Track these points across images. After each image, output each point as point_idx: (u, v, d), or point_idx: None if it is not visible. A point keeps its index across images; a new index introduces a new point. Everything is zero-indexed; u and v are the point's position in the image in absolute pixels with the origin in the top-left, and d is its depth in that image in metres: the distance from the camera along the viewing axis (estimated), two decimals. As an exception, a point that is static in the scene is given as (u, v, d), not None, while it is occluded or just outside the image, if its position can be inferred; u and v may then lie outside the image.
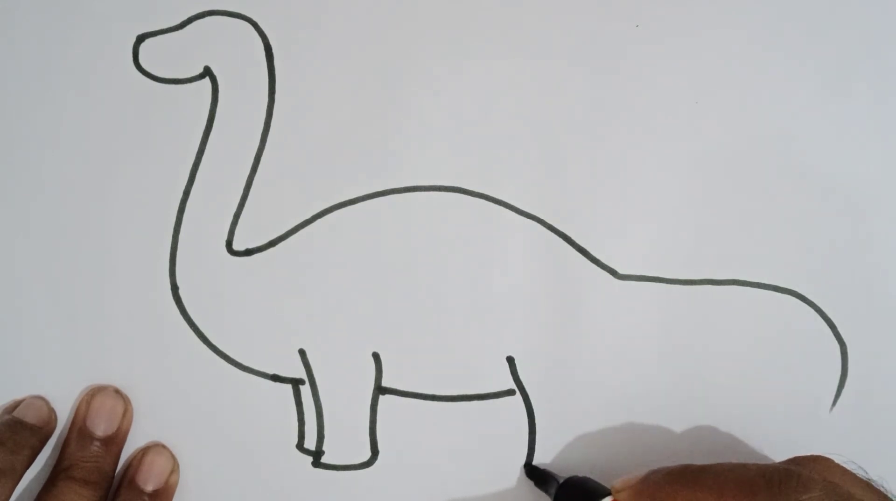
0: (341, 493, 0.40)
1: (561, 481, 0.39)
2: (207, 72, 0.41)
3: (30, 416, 0.39)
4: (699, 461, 0.40)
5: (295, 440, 0.40)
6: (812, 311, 0.41)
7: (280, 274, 0.41)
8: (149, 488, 0.39)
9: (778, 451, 0.40)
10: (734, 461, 0.38)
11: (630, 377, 0.41)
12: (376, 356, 0.41)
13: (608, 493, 0.37)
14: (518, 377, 0.41)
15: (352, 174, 0.41)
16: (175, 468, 0.40)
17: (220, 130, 0.41)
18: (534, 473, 0.40)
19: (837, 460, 0.34)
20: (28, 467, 0.38)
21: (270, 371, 0.41)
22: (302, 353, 0.41)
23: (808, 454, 0.35)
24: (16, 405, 0.39)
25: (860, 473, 0.34)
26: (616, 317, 0.41)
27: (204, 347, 0.40)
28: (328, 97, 0.41)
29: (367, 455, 0.41)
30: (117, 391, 0.40)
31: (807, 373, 0.41)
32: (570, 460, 0.40)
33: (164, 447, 0.40)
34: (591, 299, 0.41)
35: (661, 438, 0.40)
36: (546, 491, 0.39)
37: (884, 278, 0.41)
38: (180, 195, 0.41)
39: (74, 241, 0.40)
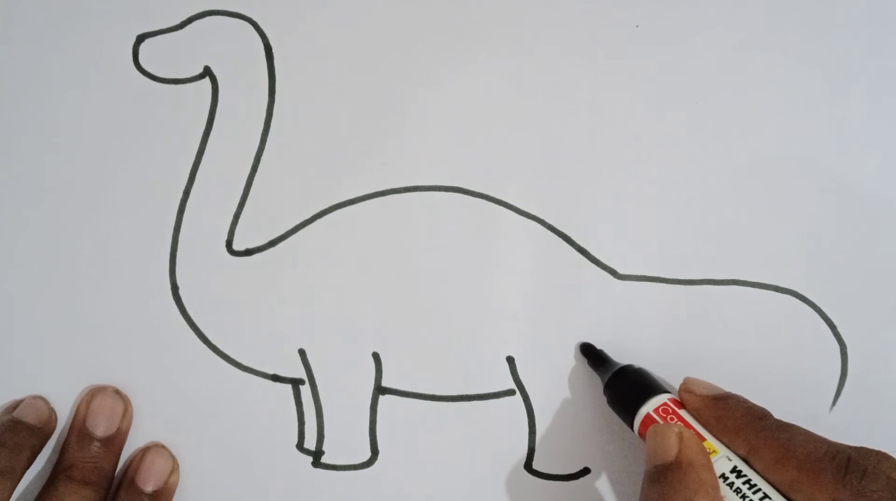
0: (341, 493, 0.40)
1: (616, 368, 0.38)
2: (207, 72, 0.41)
3: (30, 416, 0.38)
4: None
5: (295, 440, 0.40)
6: (812, 311, 0.41)
7: (280, 274, 0.41)
8: (148, 488, 0.39)
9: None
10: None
11: (630, 377, 0.41)
12: (376, 356, 0.41)
13: (665, 392, 0.36)
14: (518, 377, 0.41)
15: (352, 174, 0.41)
16: (175, 468, 0.40)
17: (220, 130, 0.41)
18: (588, 351, 0.40)
19: None
20: (28, 467, 0.38)
21: (270, 371, 0.41)
22: (302, 353, 0.41)
23: (873, 448, 0.34)
24: (16, 405, 0.39)
25: None
26: (616, 317, 0.41)
27: (204, 347, 0.40)
28: (328, 97, 0.41)
29: (367, 455, 0.41)
30: (117, 392, 0.40)
31: (807, 373, 0.41)
32: (570, 459, 0.40)
33: (163, 447, 0.40)
34: (591, 299, 0.41)
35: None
36: (598, 373, 0.39)
37: (884, 278, 0.41)
38: (180, 195, 0.41)
39: (74, 241, 0.40)
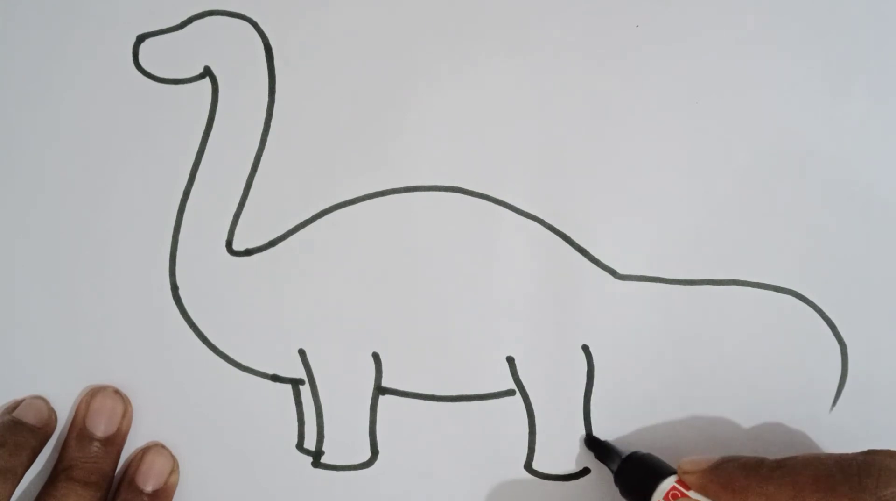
0: (341, 493, 0.40)
1: (624, 456, 0.39)
2: (207, 72, 0.41)
3: (30, 417, 0.38)
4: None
5: (295, 440, 0.40)
6: (812, 311, 0.41)
7: (280, 274, 0.41)
8: (148, 488, 0.39)
9: (778, 451, 0.40)
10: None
11: (630, 377, 0.41)
12: (376, 356, 0.41)
13: (673, 472, 0.37)
14: (518, 377, 0.41)
15: (352, 174, 0.41)
16: (175, 468, 0.40)
17: (220, 130, 0.41)
18: (594, 444, 0.40)
19: None
20: (28, 467, 0.38)
21: (270, 371, 0.41)
22: (302, 353, 0.41)
23: (883, 448, 0.34)
24: (16, 405, 0.39)
25: None
26: (616, 317, 0.41)
27: (204, 347, 0.40)
28: (328, 97, 0.41)
29: (367, 455, 0.41)
30: (117, 392, 0.40)
31: (807, 373, 0.41)
32: (570, 459, 0.40)
33: (163, 447, 0.40)
34: (591, 299, 0.41)
35: (661, 438, 0.40)
36: (607, 464, 0.39)
37: (884, 278, 0.41)
38: (180, 195, 0.41)
39: (74, 241, 0.40)
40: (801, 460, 0.34)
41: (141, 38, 0.41)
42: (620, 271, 0.41)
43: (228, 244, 0.41)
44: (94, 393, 0.39)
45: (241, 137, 0.41)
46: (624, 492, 0.38)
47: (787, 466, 0.34)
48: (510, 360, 0.41)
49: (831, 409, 0.41)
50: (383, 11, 0.42)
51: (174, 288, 0.40)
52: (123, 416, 0.39)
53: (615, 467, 0.39)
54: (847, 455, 0.34)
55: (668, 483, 0.37)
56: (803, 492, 0.33)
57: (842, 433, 0.40)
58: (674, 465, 0.37)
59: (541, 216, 0.41)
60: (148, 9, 0.41)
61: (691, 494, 0.36)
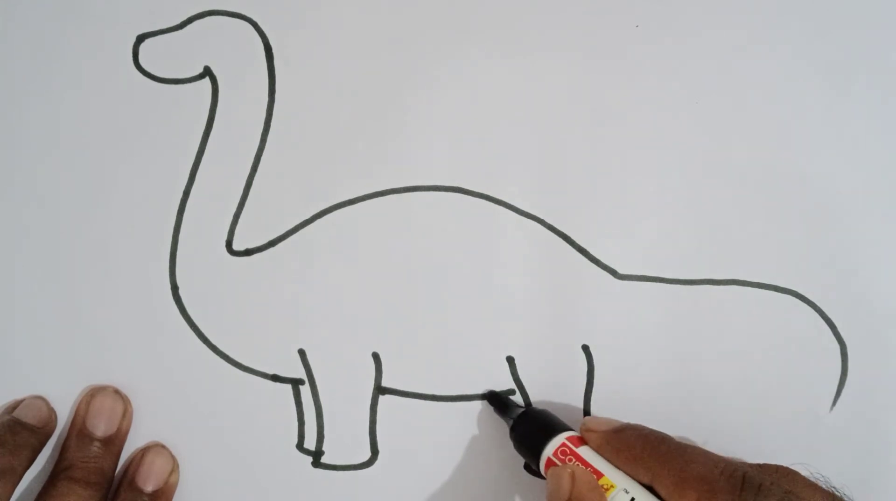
0: (341, 493, 0.40)
1: (518, 413, 0.39)
2: (207, 72, 0.41)
3: (30, 416, 0.38)
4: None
5: (295, 440, 0.40)
6: (812, 311, 0.41)
7: (280, 274, 0.41)
8: (148, 488, 0.39)
9: (778, 451, 0.40)
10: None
11: (630, 376, 0.41)
12: (376, 356, 0.41)
13: (566, 430, 0.37)
14: (518, 377, 0.41)
15: (352, 174, 0.41)
16: (175, 468, 0.40)
17: (220, 130, 0.41)
18: (494, 399, 0.40)
19: (804, 472, 0.34)
20: (28, 467, 0.38)
21: (270, 371, 0.41)
22: (302, 353, 0.41)
23: (777, 463, 0.35)
24: (16, 405, 0.39)
25: (823, 484, 0.33)
26: (616, 317, 0.41)
27: (204, 347, 0.40)
28: (328, 97, 0.41)
29: (367, 455, 0.41)
30: (117, 392, 0.40)
31: (807, 373, 0.41)
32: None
33: (163, 447, 0.40)
34: (591, 299, 0.41)
35: (661, 438, 0.40)
36: (504, 419, 0.39)
37: (883, 278, 0.41)
38: (180, 195, 0.41)
39: (74, 241, 0.40)
40: (699, 454, 0.34)
41: (141, 38, 0.41)
42: (620, 271, 0.41)
43: (228, 244, 0.41)
44: (94, 393, 0.39)
45: (241, 137, 0.41)
46: (517, 447, 0.38)
47: (684, 454, 0.34)
48: (510, 360, 0.41)
49: (831, 409, 0.41)
50: (383, 12, 0.42)
51: (174, 288, 0.40)
52: (123, 416, 0.39)
53: (511, 422, 0.39)
54: (737, 463, 0.34)
55: (560, 438, 0.36)
56: (685, 485, 0.33)
57: (842, 433, 0.40)
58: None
59: (541, 216, 0.41)
60: (148, 9, 0.41)
61: (581, 451, 0.36)
